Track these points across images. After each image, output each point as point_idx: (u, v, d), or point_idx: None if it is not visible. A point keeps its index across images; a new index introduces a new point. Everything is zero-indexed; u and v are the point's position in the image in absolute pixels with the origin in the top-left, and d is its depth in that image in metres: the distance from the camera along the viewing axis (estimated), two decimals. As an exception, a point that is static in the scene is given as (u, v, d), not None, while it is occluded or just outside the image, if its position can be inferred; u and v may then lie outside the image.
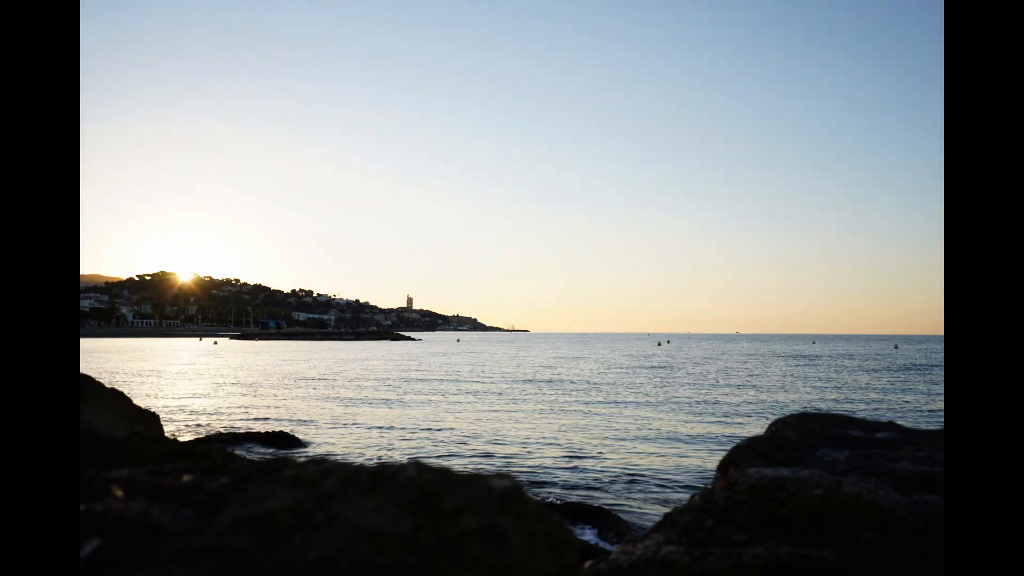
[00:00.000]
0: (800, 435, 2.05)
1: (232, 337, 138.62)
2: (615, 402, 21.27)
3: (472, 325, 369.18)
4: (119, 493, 1.10)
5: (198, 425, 16.17)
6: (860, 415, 2.27)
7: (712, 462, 11.68)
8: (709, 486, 1.87)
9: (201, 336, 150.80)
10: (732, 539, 1.55)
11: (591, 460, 11.94)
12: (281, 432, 13.82)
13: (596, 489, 9.91)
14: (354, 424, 16.42)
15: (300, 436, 14.00)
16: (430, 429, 15.59)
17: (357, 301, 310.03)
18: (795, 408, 19.56)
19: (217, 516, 0.99)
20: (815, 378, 32.52)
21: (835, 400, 22.67)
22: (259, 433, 13.67)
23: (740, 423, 16.84)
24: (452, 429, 15.58)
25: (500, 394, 23.89)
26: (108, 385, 6.90)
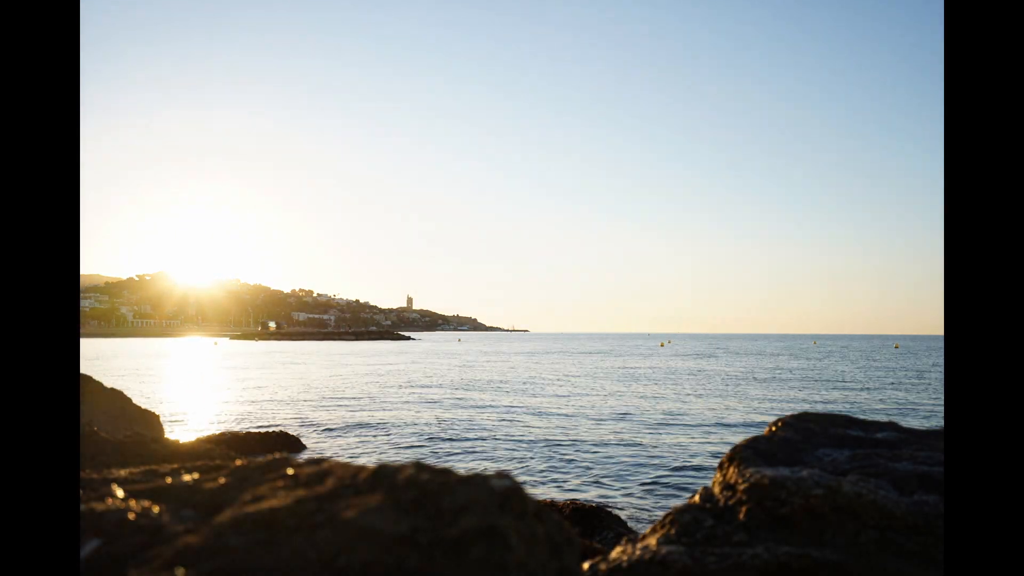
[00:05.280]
0: (800, 435, 2.05)
1: (232, 337, 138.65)
2: (614, 402, 21.27)
3: (472, 325, 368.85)
4: (119, 493, 1.10)
5: (198, 425, 16.17)
6: (860, 415, 2.27)
7: (712, 462, 11.68)
8: (709, 486, 1.87)
9: (201, 336, 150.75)
10: (732, 539, 1.55)
11: (590, 460, 11.94)
12: (281, 432, 13.82)
13: (596, 489, 9.91)
14: (354, 425, 16.42)
15: (300, 436, 14.00)
16: (430, 429, 15.60)
17: (357, 301, 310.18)
18: (795, 408, 19.55)
19: (217, 516, 0.99)
20: (814, 378, 32.52)
21: (835, 400, 22.66)
22: (259, 433, 13.66)
23: (740, 423, 16.84)
24: (452, 429, 15.59)
25: (500, 394, 23.89)
26: (108, 385, 6.90)
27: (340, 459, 1.14)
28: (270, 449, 12.82)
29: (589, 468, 11.32)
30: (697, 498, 1.78)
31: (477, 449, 13.22)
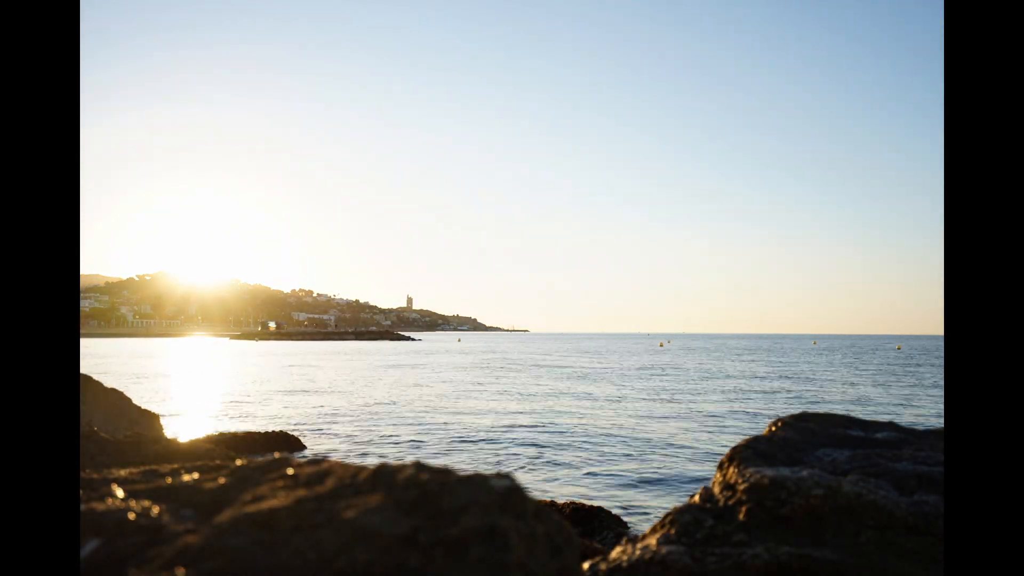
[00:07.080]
0: (800, 435, 2.05)
1: (232, 337, 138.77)
2: (615, 402, 21.27)
3: (472, 325, 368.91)
4: (119, 493, 1.10)
5: (198, 425, 16.18)
6: (860, 415, 2.26)
7: (712, 462, 11.68)
8: (709, 486, 1.87)
9: (201, 336, 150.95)
10: (732, 539, 1.55)
11: (590, 460, 11.94)
12: (281, 432, 13.82)
13: (596, 489, 9.91)
14: (355, 424, 16.42)
15: (300, 436, 14.00)
16: (430, 429, 15.60)
17: (357, 301, 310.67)
18: (795, 408, 19.54)
19: (217, 516, 0.99)
20: (814, 378, 32.52)
21: (835, 400, 22.66)
22: (259, 433, 13.65)
23: (739, 423, 16.84)
24: (452, 429, 15.59)
25: (501, 393, 23.90)
26: (108, 385, 6.90)
27: (340, 459, 1.14)
28: (270, 449, 12.83)
29: (589, 468, 11.32)
30: (697, 498, 1.78)
31: (477, 449, 13.22)
